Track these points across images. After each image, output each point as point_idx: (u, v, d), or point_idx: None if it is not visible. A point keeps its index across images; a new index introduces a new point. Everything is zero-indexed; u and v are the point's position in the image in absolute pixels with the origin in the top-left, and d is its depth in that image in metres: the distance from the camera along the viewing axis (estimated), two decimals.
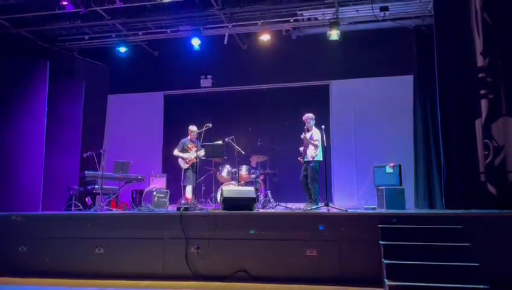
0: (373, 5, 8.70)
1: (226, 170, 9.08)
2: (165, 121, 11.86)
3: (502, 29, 6.85)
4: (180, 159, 8.55)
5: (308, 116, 8.15)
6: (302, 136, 8.06)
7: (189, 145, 8.60)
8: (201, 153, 8.32)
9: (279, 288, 5.55)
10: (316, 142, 7.89)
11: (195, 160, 8.35)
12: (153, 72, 11.75)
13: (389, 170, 8.01)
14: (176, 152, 8.58)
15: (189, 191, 8.37)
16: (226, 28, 9.81)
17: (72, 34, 10.37)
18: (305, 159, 8.05)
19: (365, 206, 8.07)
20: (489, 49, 6.85)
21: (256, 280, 5.82)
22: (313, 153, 7.91)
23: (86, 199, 9.43)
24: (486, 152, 6.67)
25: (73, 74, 10.94)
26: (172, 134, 10.73)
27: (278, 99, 11.09)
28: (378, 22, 9.31)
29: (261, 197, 8.79)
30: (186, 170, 8.49)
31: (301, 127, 8.25)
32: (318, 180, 7.97)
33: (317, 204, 7.64)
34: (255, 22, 9.59)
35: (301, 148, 8.18)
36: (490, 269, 4.89)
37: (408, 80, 9.69)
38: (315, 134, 8.01)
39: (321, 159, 7.99)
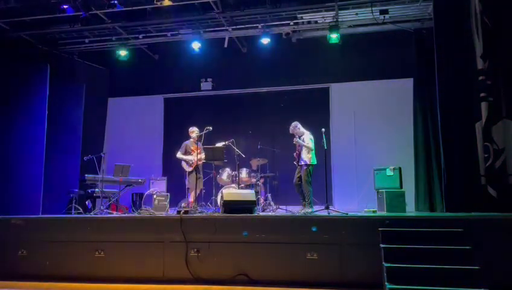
0: (373, 8, 8.71)
1: (226, 173, 9.07)
2: (165, 124, 11.85)
3: (502, 33, 6.86)
4: (183, 162, 8.55)
5: (292, 126, 8.20)
6: (294, 141, 8.10)
7: (192, 148, 8.60)
8: (202, 156, 8.32)
9: None
10: (309, 145, 7.91)
11: (198, 162, 8.36)
12: (153, 75, 11.78)
13: (389, 172, 8.00)
14: (179, 155, 8.57)
15: (192, 195, 8.37)
16: (226, 31, 9.83)
17: (72, 37, 10.39)
18: (300, 163, 8.07)
19: (365, 209, 8.05)
20: (489, 52, 6.85)
21: (257, 284, 5.81)
22: (306, 156, 7.94)
23: (86, 202, 9.42)
24: (486, 155, 6.67)
25: (73, 77, 10.92)
26: (173, 137, 10.74)
27: (278, 103, 11.09)
28: (378, 25, 9.33)
29: (261, 201, 8.78)
30: (190, 173, 8.49)
31: None
32: (312, 183, 7.96)
33: (311, 207, 7.66)
34: (255, 25, 9.59)
35: (295, 153, 8.22)
36: (491, 272, 4.89)
37: (408, 83, 9.69)
38: (306, 138, 8.05)
39: (315, 162, 8.01)
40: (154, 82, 11.82)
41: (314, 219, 6.12)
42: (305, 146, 7.95)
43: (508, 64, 6.78)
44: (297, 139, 8.05)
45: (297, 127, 8.18)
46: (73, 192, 9.23)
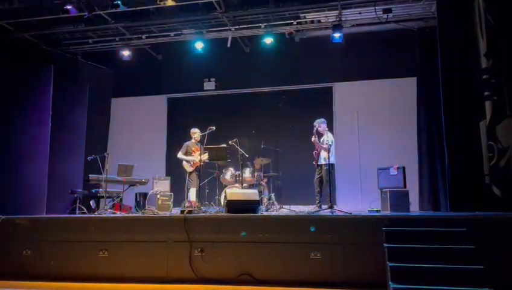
0: (376, 7, 8.69)
1: (229, 173, 9.06)
2: (168, 124, 11.89)
3: (506, 31, 6.82)
4: (184, 162, 8.60)
5: (319, 121, 8.20)
6: (312, 140, 8.05)
7: (193, 149, 8.64)
8: (205, 156, 8.35)
9: None
10: (326, 146, 7.88)
11: (199, 163, 8.38)
12: (156, 75, 11.80)
13: (393, 172, 7.98)
14: (180, 155, 8.64)
15: (193, 194, 8.40)
16: (229, 31, 9.83)
17: (76, 38, 10.43)
18: (319, 163, 8.05)
19: (369, 209, 8.03)
20: (493, 50, 6.82)
21: (260, 283, 5.80)
22: (326, 155, 7.91)
23: (90, 202, 9.46)
24: (490, 154, 6.65)
25: (77, 77, 10.96)
26: (176, 137, 10.76)
27: (280, 102, 11.08)
28: (381, 24, 9.31)
29: (265, 200, 8.78)
30: (190, 173, 8.53)
31: (304, 129, 8.24)
32: (333, 182, 7.95)
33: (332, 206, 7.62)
34: (258, 24, 9.60)
35: (314, 152, 8.18)
36: (494, 271, 4.85)
37: (411, 82, 9.68)
38: (327, 138, 8.01)
39: (334, 162, 7.97)
40: (158, 82, 11.85)
41: (317, 219, 6.12)
42: (322, 147, 7.93)
43: None
44: (316, 138, 8.02)
45: (323, 123, 8.16)
46: (77, 192, 9.27)
